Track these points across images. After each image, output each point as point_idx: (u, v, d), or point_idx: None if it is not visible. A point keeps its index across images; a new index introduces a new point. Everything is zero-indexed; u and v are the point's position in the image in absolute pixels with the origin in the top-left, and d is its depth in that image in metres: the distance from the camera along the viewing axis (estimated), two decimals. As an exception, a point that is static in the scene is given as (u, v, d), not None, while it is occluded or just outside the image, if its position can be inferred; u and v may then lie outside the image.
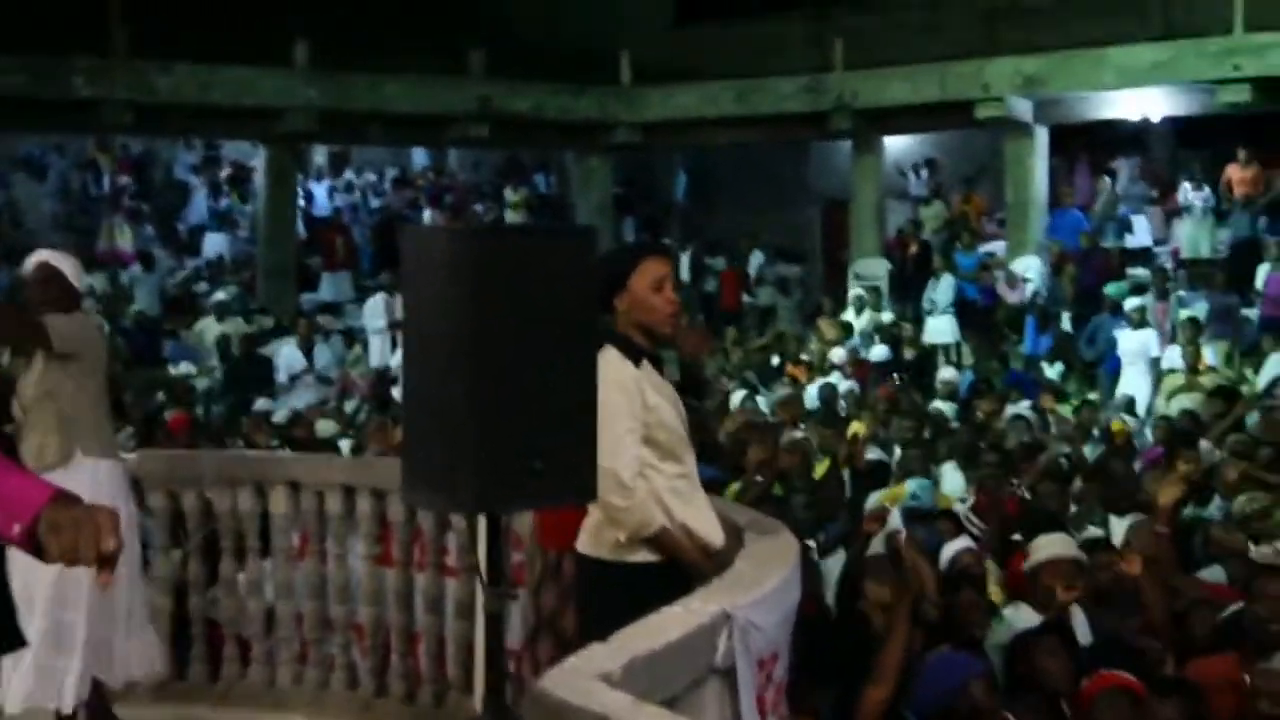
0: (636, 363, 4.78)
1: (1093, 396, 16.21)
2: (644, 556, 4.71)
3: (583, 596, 5.06)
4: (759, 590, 4.06)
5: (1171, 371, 16.02)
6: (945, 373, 17.06)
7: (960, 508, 8.82)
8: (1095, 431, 13.34)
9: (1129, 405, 15.09)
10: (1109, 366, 17.26)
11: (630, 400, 4.69)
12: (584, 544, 4.86)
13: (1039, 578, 6.55)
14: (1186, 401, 14.36)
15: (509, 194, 27.45)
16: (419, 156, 31.73)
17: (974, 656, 5.65)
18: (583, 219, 23.30)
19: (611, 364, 4.68)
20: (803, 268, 25.03)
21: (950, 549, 7.25)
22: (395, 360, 17.94)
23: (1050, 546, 6.69)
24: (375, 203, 29.16)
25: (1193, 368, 15.58)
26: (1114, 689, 5.32)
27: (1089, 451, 12.13)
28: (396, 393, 16.18)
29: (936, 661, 5.53)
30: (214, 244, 25.84)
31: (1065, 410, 14.61)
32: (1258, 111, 20.00)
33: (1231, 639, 5.91)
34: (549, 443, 3.77)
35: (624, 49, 23.45)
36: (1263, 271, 18.26)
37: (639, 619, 3.61)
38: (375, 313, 19.69)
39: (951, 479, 10.72)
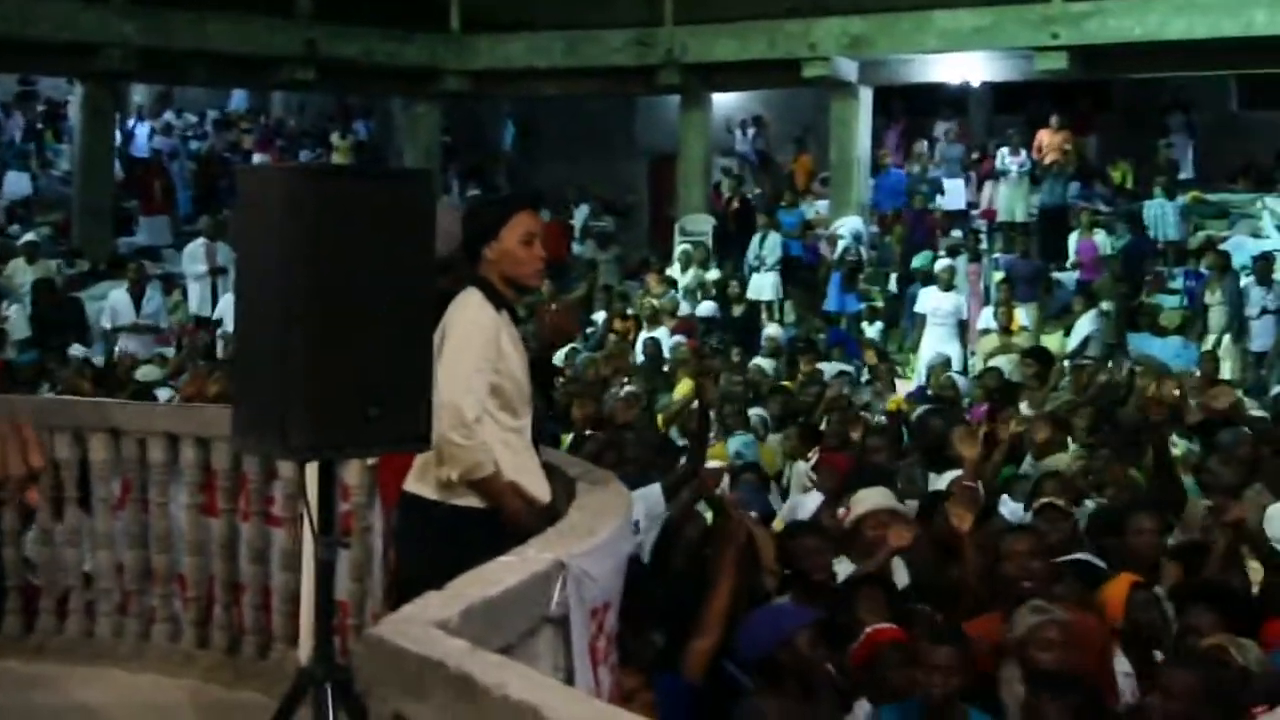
0: (497, 310, 4.78)
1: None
2: (468, 500, 4.71)
3: (403, 532, 5.04)
4: (592, 540, 4.07)
5: (986, 332, 16.41)
6: (769, 329, 17.26)
7: (803, 465, 8.98)
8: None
9: (947, 364, 15.43)
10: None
11: (485, 342, 4.70)
12: (410, 481, 4.83)
13: (860, 530, 6.67)
14: (1002, 362, 14.75)
15: (335, 139, 27.07)
16: (239, 99, 31.10)
17: (809, 607, 5.72)
18: (409, 166, 23.03)
19: (473, 304, 4.70)
20: (625, 221, 25.06)
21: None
22: (216, 308, 17.58)
23: (870, 499, 6.82)
24: (196, 145, 28.52)
25: (1005, 329, 15.99)
26: (884, 644, 5.44)
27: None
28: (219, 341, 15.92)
29: (763, 613, 5.60)
30: (16, 183, 24.98)
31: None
32: (1073, 79, 20.51)
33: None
34: (384, 389, 3.75)
35: (454, -4, 23.25)
36: (1074, 238, 18.78)
37: (457, 562, 3.61)
38: (195, 258, 19.24)
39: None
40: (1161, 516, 6.85)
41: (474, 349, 4.64)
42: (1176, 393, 11.63)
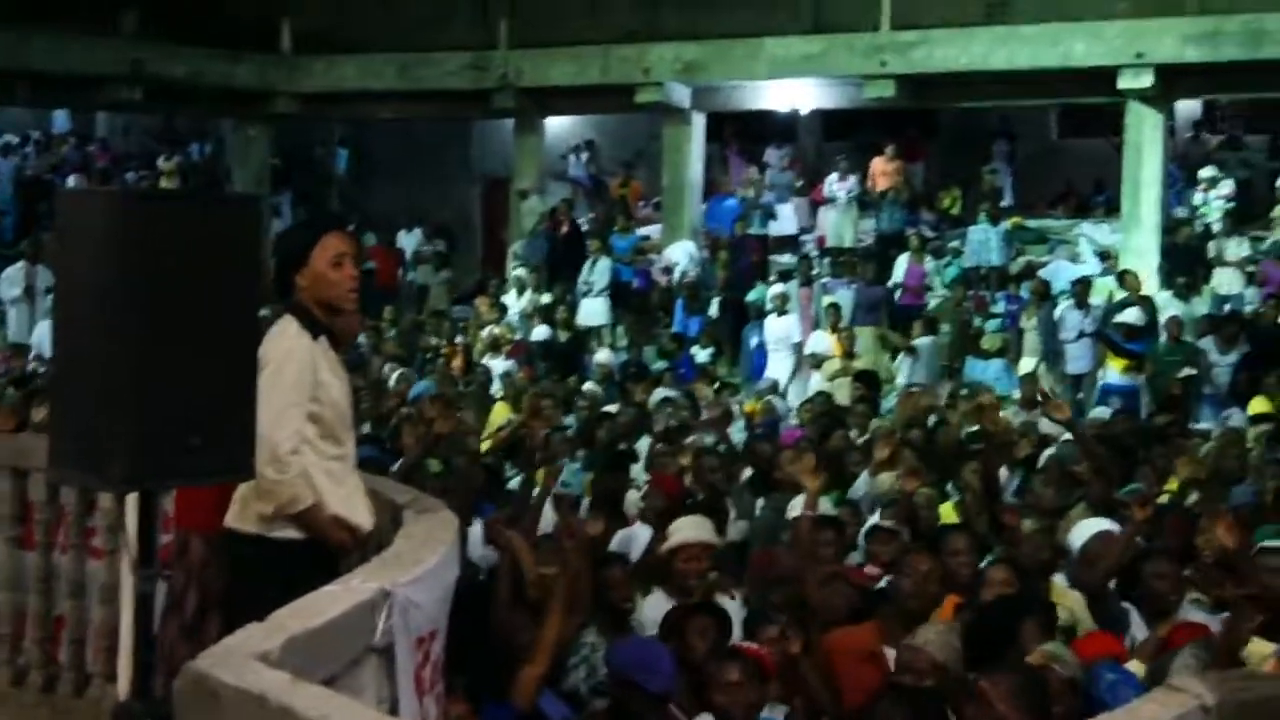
0: (315, 336, 4.73)
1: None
2: (289, 533, 4.66)
3: (229, 572, 4.96)
4: (418, 568, 4.06)
5: (814, 355, 16.64)
6: (599, 355, 17.32)
7: (634, 493, 9.01)
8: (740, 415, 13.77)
9: (773, 388, 15.61)
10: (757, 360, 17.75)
11: (301, 372, 4.64)
12: (231, 517, 4.77)
13: (673, 560, 6.68)
14: (841, 386, 14.99)
15: (162, 162, 26.53)
16: (62, 120, 30.38)
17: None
18: (239, 189, 22.72)
19: (289, 334, 4.65)
20: (456, 245, 24.91)
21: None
22: (33, 334, 17.14)
23: (684, 530, 6.84)
24: (16, 166, 27.75)
25: (848, 353, 16.25)
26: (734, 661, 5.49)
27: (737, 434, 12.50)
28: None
29: (638, 645, 5.66)
30: None
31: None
32: (901, 107, 20.94)
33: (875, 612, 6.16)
34: (206, 418, 3.68)
35: (285, 16, 22.97)
36: (902, 261, 19.13)
37: (281, 595, 3.57)
38: (14, 282, 18.75)
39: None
40: (976, 537, 6.98)
41: (288, 380, 4.59)
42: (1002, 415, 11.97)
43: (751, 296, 18.78)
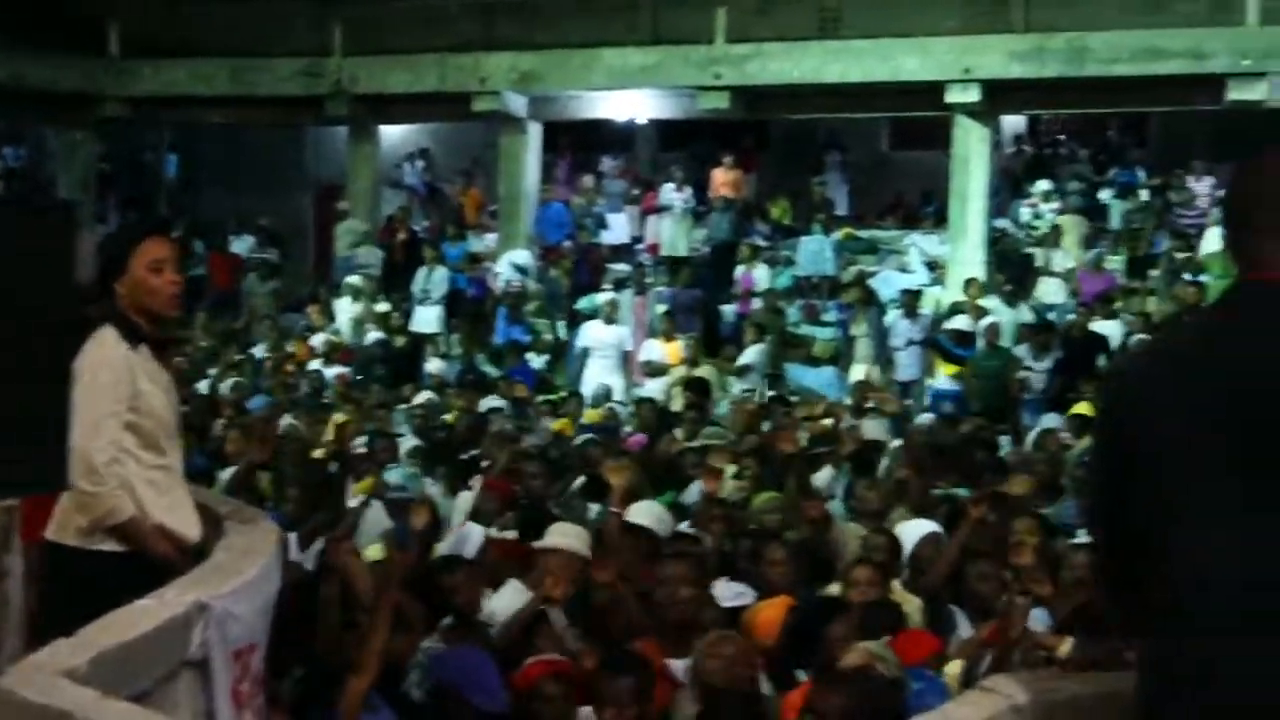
0: (134, 345, 4.62)
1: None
2: (111, 545, 4.57)
3: (47, 585, 4.84)
4: (237, 579, 4.00)
5: (648, 363, 16.73)
6: (432, 364, 17.23)
7: (465, 496, 8.98)
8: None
9: (607, 395, 15.66)
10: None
11: (117, 382, 4.54)
12: (51, 529, 4.66)
13: (540, 560, 6.67)
14: (676, 393, 15.10)
15: (-21, 167, 25.82)
16: None
17: (478, 648, 5.72)
18: (64, 195, 22.20)
19: (105, 344, 4.54)
20: (288, 252, 24.56)
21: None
22: None
23: (561, 535, 6.83)
24: None
25: (686, 360, 16.36)
26: (544, 676, 5.44)
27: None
28: None
29: (460, 655, 5.60)
30: None
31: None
32: (736, 118, 21.16)
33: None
34: (19, 428, 3.59)
35: (114, 19, 22.49)
36: (740, 271, 19.33)
37: (103, 609, 3.49)
38: None
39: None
40: (794, 544, 7.05)
41: (103, 390, 4.48)
42: (829, 421, 12.16)
43: (581, 304, 18.78)
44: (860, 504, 8.23)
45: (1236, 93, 18.19)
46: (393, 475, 9.36)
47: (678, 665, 5.58)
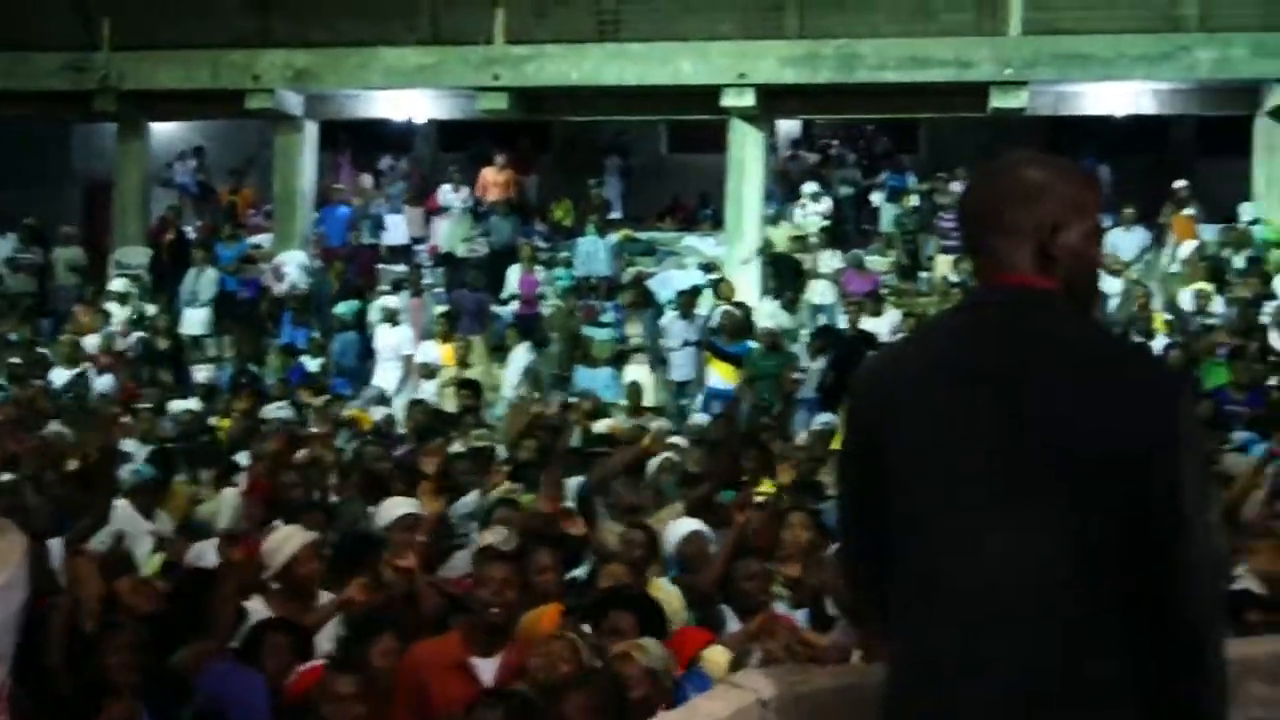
0: None
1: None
2: None
3: None
4: (-24, 592, 3.84)
5: (425, 365, 16.63)
6: (202, 368, 16.88)
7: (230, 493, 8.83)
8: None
9: (382, 398, 15.53)
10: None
11: None
12: None
13: (291, 568, 6.58)
14: (449, 395, 15.01)
15: None
16: None
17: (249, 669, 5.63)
18: None
19: None
20: (46, 251, 23.71)
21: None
22: None
23: (293, 538, 6.76)
24: None
25: (462, 362, 16.29)
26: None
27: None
28: None
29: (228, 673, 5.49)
30: None
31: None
32: (514, 119, 21.14)
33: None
34: None
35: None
36: (515, 271, 19.30)
37: None
38: None
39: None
40: (558, 550, 7.06)
41: None
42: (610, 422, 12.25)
43: (340, 309, 18.47)
44: (619, 502, 8.29)
45: (999, 100, 18.84)
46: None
47: (483, 665, 5.57)
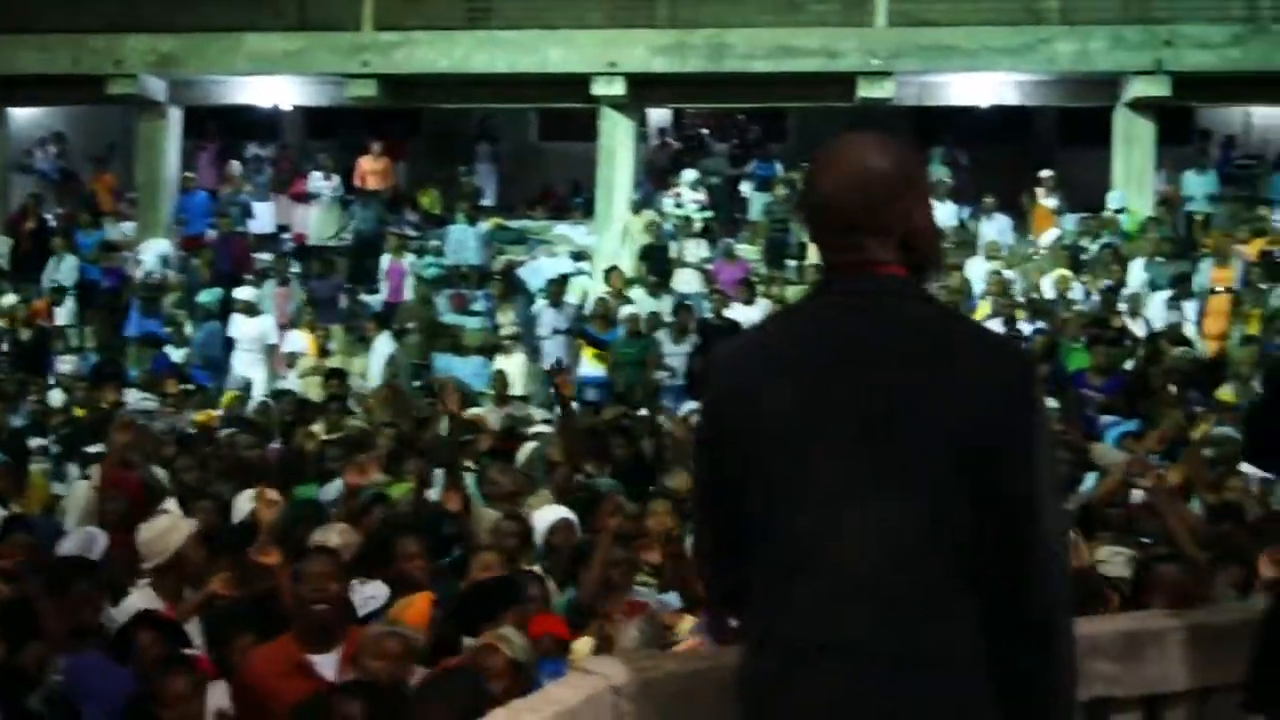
0: None
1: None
2: None
3: None
4: None
5: (293, 355, 16.47)
6: (65, 358, 16.56)
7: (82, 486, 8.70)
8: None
9: (247, 388, 15.34)
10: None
11: None
12: None
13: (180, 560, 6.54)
14: (313, 384, 14.87)
15: None
16: None
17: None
18: None
19: None
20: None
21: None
22: None
23: (173, 529, 6.69)
24: None
25: (322, 350, 16.14)
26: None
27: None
28: None
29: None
30: None
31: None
32: (384, 107, 20.99)
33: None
34: None
35: None
36: (384, 260, 19.15)
37: None
38: None
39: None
40: (424, 537, 7.04)
41: None
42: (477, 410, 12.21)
43: (203, 298, 18.18)
44: (494, 489, 8.29)
45: (866, 90, 19.07)
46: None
47: (323, 661, 5.51)
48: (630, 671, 3.22)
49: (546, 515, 7.60)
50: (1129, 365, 14.12)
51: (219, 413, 13.54)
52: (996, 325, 15.56)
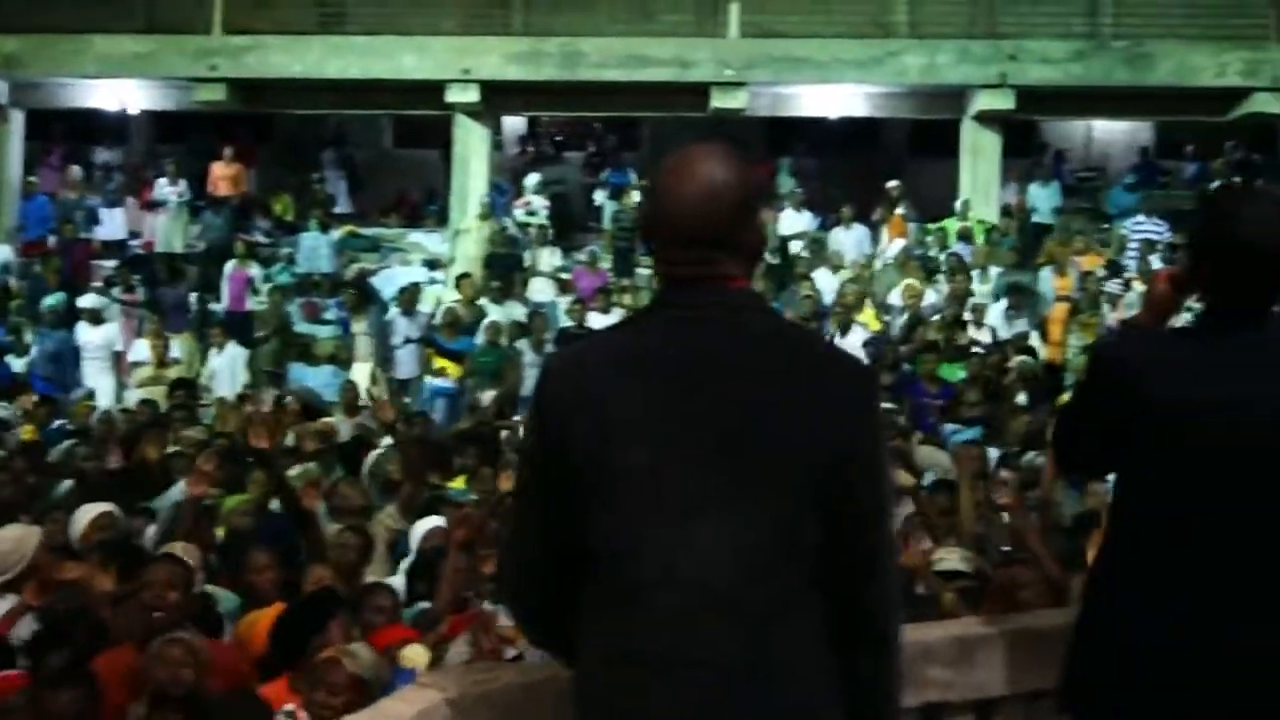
0: None
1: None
2: None
3: None
4: None
5: (138, 364, 16.18)
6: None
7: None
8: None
9: (90, 397, 15.05)
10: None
11: None
12: None
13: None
14: (155, 393, 14.61)
15: None
16: None
17: None
18: None
19: None
20: None
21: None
22: None
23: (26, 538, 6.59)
24: None
25: (160, 361, 15.86)
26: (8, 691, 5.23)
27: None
28: None
29: None
30: None
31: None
32: (234, 111, 20.71)
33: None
34: None
35: None
36: (230, 267, 18.81)
37: None
38: None
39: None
40: (276, 550, 6.98)
41: None
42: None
43: (48, 304, 17.75)
44: (342, 501, 8.21)
45: (719, 101, 19.25)
46: None
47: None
48: (467, 684, 3.21)
49: (421, 525, 7.61)
50: (975, 373, 14.36)
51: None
52: (846, 335, 15.82)
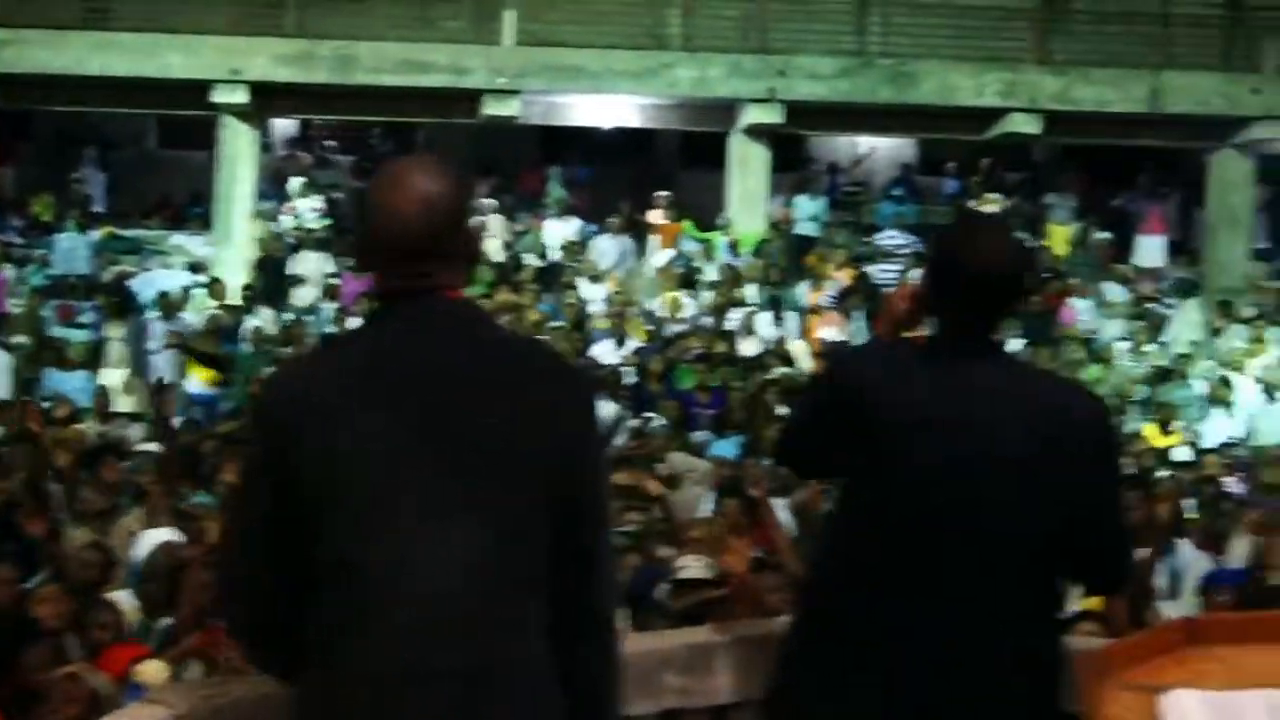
0: None
1: None
2: None
3: None
4: None
5: None
6: None
7: None
8: None
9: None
10: None
11: None
12: None
13: None
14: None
15: None
16: None
17: None
18: None
19: None
20: None
21: None
22: None
23: None
24: None
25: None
26: None
27: None
28: None
29: None
30: None
31: None
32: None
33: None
34: None
35: None
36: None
37: None
38: None
39: None
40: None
41: None
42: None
43: None
44: (85, 506, 8.02)
45: (492, 108, 19.27)
46: None
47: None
48: (196, 699, 3.17)
49: (148, 538, 7.42)
50: (737, 383, 14.60)
51: None
52: (609, 344, 15.98)
